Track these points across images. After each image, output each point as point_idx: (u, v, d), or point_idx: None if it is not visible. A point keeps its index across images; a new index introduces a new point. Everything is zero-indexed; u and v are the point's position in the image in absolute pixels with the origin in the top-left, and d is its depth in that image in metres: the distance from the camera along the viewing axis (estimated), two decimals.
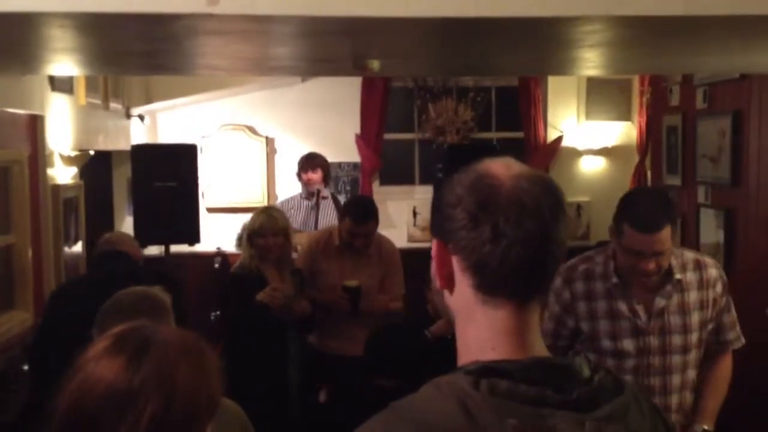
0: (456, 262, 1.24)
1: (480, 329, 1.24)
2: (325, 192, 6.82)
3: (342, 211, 4.77)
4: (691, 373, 3.01)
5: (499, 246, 1.18)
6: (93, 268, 4.51)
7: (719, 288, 3.02)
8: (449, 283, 1.27)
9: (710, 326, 3.03)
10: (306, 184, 6.80)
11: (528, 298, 1.23)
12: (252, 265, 4.45)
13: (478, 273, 1.22)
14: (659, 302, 2.92)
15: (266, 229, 4.41)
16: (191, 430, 1.44)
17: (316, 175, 6.75)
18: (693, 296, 2.95)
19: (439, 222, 1.26)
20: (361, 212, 4.62)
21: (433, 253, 1.28)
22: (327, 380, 4.60)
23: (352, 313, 4.57)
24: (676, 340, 2.94)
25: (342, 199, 6.81)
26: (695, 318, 2.96)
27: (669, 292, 2.93)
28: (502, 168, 1.23)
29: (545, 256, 1.21)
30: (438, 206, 1.26)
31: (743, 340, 3.12)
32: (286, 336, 4.45)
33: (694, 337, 2.97)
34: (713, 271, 3.00)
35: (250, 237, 4.48)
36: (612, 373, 1.25)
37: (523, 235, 1.18)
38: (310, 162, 6.83)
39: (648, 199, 2.87)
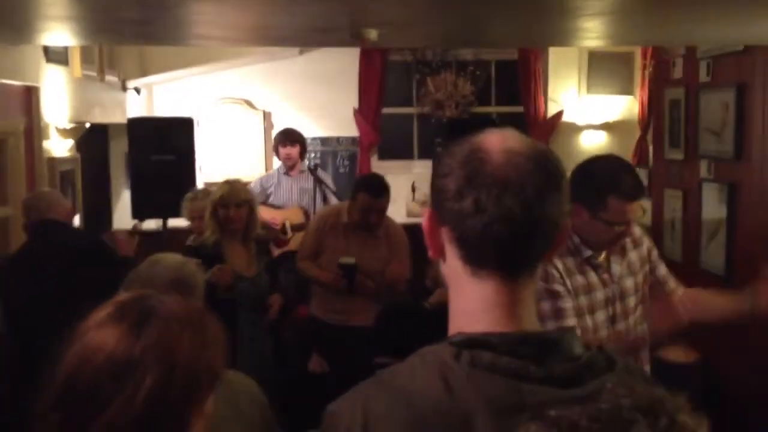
0: (445, 233, 1.25)
1: (468, 301, 1.25)
2: (302, 166, 6.80)
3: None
4: (640, 329, 3.00)
5: (480, 221, 1.18)
6: (35, 241, 4.25)
7: (646, 241, 3.04)
8: (440, 253, 1.28)
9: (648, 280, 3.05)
10: (285, 159, 6.77)
11: (515, 272, 1.23)
12: (210, 240, 4.25)
13: (464, 245, 1.22)
14: (615, 268, 2.91)
15: (228, 199, 4.22)
16: (191, 402, 1.41)
17: (294, 150, 6.74)
18: (633, 256, 2.98)
19: (432, 192, 1.26)
20: (376, 187, 4.61)
21: (425, 222, 1.29)
22: (327, 349, 4.59)
23: (349, 290, 4.56)
24: (631, 302, 2.96)
25: (324, 174, 6.78)
26: (640, 277, 2.99)
27: (619, 257, 2.93)
28: (497, 141, 1.22)
29: (528, 232, 1.19)
30: (433, 176, 1.27)
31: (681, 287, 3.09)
32: (236, 320, 4.14)
33: (640, 295, 3.00)
34: (636, 228, 2.99)
35: (213, 209, 4.28)
36: (605, 350, 1.24)
37: (502, 212, 1.17)
38: (287, 137, 6.81)
39: (621, 166, 2.84)
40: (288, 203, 6.66)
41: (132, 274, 2.49)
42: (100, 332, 1.40)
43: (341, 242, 4.67)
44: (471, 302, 1.24)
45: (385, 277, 4.67)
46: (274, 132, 7.91)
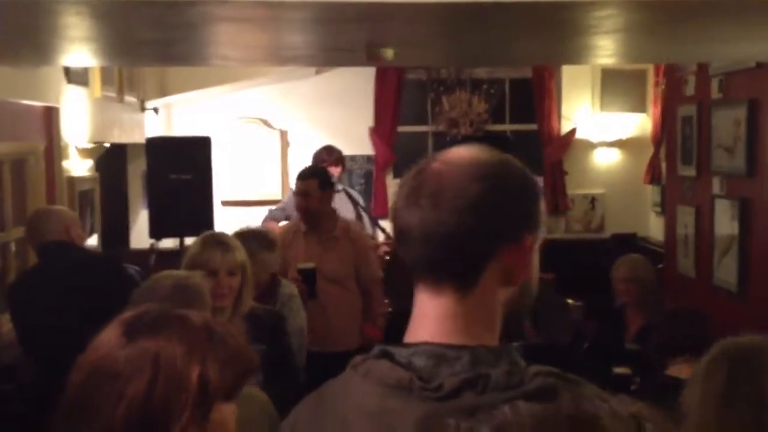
0: None
1: (413, 313, 1.26)
2: (339, 186, 6.69)
3: None
4: None
5: (404, 225, 1.21)
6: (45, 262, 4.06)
7: None
8: None
9: None
10: None
11: (441, 285, 1.20)
12: None
13: (404, 256, 1.25)
14: None
15: (217, 262, 3.04)
16: (172, 416, 1.35)
17: (338, 169, 6.57)
18: None
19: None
20: (304, 171, 4.74)
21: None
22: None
23: (309, 296, 4.38)
24: None
25: (355, 193, 6.75)
26: None
27: None
28: (452, 151, 1.25)
29: (444, 239, 1.17)
30: None
31: None
32: None
33: None
34: None
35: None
36: (524, 372, 1.14)
37: (419, 214, 1.18)
38: (330, 156, 6.63)
39: None
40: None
41: (138, 289, 2.55)
42: (100, 339, 1.40)
43: (301, 250, 4.65)
44: (414, 313, 1.25)
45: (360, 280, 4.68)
46: (290, 150, 7.98)
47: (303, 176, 4.72)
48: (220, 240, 3.13)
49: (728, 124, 5.37)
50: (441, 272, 1.20)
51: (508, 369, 1.13)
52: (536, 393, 1.10)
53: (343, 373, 1.26)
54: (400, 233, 1.21)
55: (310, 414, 1.29)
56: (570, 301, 6.66)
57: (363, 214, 6.29)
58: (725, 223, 5.42)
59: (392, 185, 7.91)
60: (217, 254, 3.03)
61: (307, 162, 7.02)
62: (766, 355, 2.25)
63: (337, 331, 4.57)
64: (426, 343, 1.18)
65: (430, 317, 1.21)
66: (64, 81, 5.49)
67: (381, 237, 6.35)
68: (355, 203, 6.36)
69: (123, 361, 1.35)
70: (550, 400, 1.10)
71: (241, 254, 3.12)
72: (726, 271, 5.41)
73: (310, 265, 4.50)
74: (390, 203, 8.11)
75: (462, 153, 1.23)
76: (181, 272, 2.68)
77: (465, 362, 1.14)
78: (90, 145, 5.98)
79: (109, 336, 1.41)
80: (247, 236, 3.59)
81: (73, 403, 1.38)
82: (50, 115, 5.38)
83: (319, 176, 4.75)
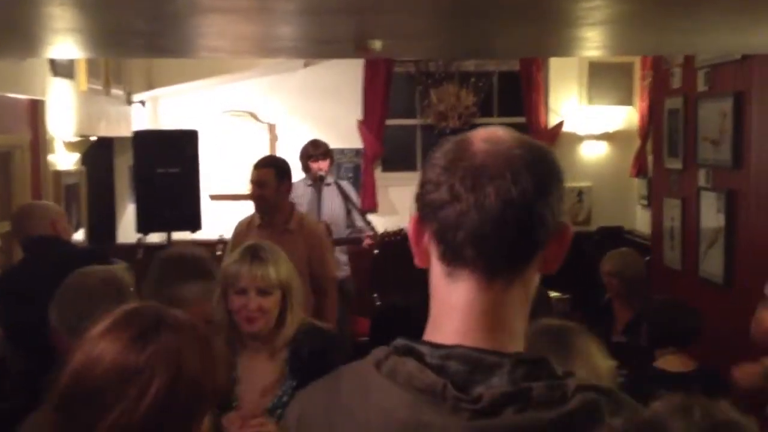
0: (427, 233, 1.15)
1: (439, 305, 1.15)
2: (329, 179, 6.62)
3: None
4: None
5: (455, 210, 1.09)
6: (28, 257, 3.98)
7: None
8: (425, 260, 1.17)
9: None
10: (317, 172, 6.33)
11: (493, 273, 1.10)
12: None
13: (440, 240, 1.12)
14: None
15: (244, 279, 2.65)
16: (193, 414, 1.42)
17: (325, 163, 6.47)
18: None
19: (418, 189, 1.16)
20: (261, 160, 4.62)
21: (409, 226, 1.19)
22: None
23: None
24: None
25: (347, 185, 6.68)
26: None
27: None
28: (485, 133, 1.15)
29: (508, 224, 1.08)
30: (421, 173, 1.18)
31: None
32: None
33: None
34: None
35: (222, 292, 2.71)
36: (565, 387, 1.07)
37: (477, 199, 1.08)
38: (318, 149, 6.55)
39: None
40: (311, 216, 6.45)
41: (64, 285, 2.50)
42: (105, 340, 1.41)
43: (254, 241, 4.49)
44: (441, 305, 1.14)
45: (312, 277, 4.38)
46: (279, 144, 7.94)
47: (259, 165, 4.59)
48: (257, 252, 2.69)
49: (714, 116, 5.40)
50: (500, 258, 1.10)
51: (548, 383, 1.05)
52: (580, 411, 1.04)
53: (359, 366, 1.15)
54: (441, 220, 1.10)
55: (320, 408, 1.18)
56: (556, 294, 6.69)
57: (352, 209, 6.25)
58: (711, 215, 5.44)
59: (381, 178, 7.91)
60: (245, 268, 2.64)
61: (296, 154, 7.00)
62: None
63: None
64: (460, 346, 1.08)
65: (471, 311, 1.11)
66: (49, 74, 5.46)
67: (368, 229, 6.27)
68: (345, 197, 6.31)
69: (144, 359, 1.38)
70: (595, 419, 1.04)
71: (280, 270, 2.67)
72: (712, 263, 5.44)
73: None
74: (379, 196, 8.14)
75: (502, 134, 1.14)
76: (102, 268, 2.61)
77: (504, 372, 1.06)
78: (76, 139, 5.95)
79: (114, 331, 1.43)
80: (168, 264, 2.94)
81: (76, 396, 1.39)
82: (36, 109, 5.35)
83: (277, 166, 4.60)
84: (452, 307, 1.12)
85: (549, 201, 1.10)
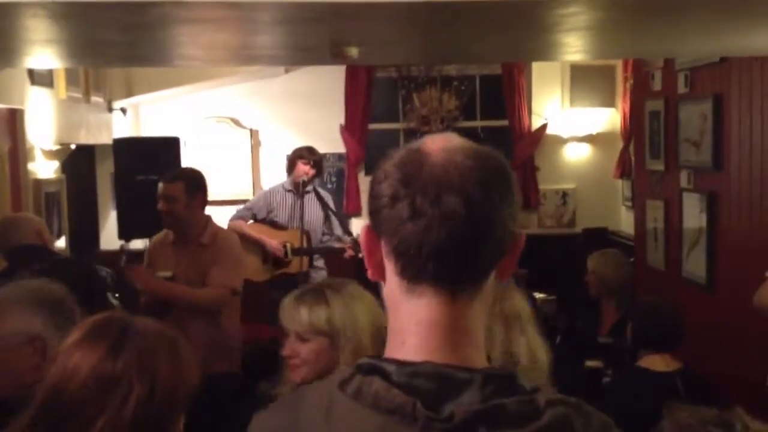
0: (383, 247, 1.10)
1: (399, 320, 1.11)
2: (308, 187, 6.53)
3: None
4: None
5: (417, 225, 1.04)
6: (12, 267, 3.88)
7: None
8: (379, 273, 1.13)
9: None
10: (301, 175, 6.28)
11: (457, 287, 1.08)
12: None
13: (400, 257, 1.08)
14: None
15: (285, 321, 2.53)
16: (170, 417, 1.44)
17: (312, 171, 6.36)
18: None
19: (369, 201, 1.12)
20: (170, 174, 4.28)
21: (361, 238, 1.14)
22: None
23: (165, 305, 4.07)
24: None
25: (325, 193, 6.63)
26: None
27: None
28: (439, 142, 1.10)
29: (473, 236, 1.05)
30: (370, 184, 1.13)
31: None
32: None
33: None
34: None
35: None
36: (536, 402, 1.05)
37: (441, 212, 1.04)
38: (311, 155, 6.37)
39: None
40: (290, 223, 6.31)
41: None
42: (78, 352, 1.42)
43: (170, 259, 4.25)
44: (402, 321, 1.10)
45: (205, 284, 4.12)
46: (262, 150, 7.92)
47: (167, 179, 4.23)
48: (306, 292, 2.51)
49: (695, 118, 5.42)
50: (464, 272, 1.07)
51: (519, 398, 1.03)
52: (552, 426, 1.02)
53: (323, 385, 1.11)
54: (402, 237, 1.06)
55: (279, 431, 1.13)
56: (542, 295, 6.71)
57: (331, 215, 6.24)
58: (693, 216, 5.46)
59: (364, 182, 7.89)
60: (285, 310, 2.47)
61: (279, 160, 6.99)
62: None
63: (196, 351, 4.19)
64: (429, 362, 1.05)
65: (435, 326, 1.08)
66: (28, 82, 5.43)
67: (348, 240, 6.24)
68: (324, 205, 6.30)
69: (121, 368, 1.40)
70: None
71: (325, 314, 2.42)
72: (695, 264, 5.46)
73: (167, 273, 4.14)
74: (363, 200, 8.12)
75: (457, 143, 1.09)
76: (37, 281, 2.44)
77: (474, 389, 1.03)
78: (56, 147, 5.92)
79: (86, 345, 1.44)
80: None
81: (54, 411, 1.39)
82: (14, 117, 5.31)
83: (187, 179, 4.25)
84: (417, 323, 1.09)
85: (512, 210, 1.08)
